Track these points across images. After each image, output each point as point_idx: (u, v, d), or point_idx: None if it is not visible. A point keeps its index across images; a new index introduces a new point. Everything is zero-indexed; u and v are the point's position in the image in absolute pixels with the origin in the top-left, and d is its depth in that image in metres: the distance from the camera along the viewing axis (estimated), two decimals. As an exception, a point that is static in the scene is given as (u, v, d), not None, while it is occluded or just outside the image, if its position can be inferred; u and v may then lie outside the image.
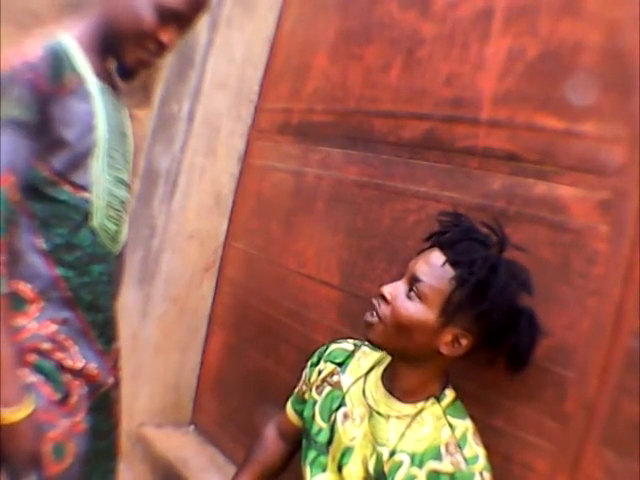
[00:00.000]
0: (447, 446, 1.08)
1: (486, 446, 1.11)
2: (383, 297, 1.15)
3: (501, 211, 1.32)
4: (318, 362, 1.34)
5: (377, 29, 1.77)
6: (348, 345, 1.33)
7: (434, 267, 1.11)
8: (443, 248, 1.13)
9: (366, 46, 1.79)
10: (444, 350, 1.11)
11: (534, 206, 1.28)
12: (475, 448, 1.08)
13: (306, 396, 1.33)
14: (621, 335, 1.11)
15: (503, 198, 1.34)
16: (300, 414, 1.35)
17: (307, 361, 1.38)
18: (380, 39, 1.75)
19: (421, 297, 1.11)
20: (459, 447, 1.07)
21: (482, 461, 1.07)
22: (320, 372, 1.32)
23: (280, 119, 2.12)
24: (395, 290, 1.14)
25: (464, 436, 1.09)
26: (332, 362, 1.31)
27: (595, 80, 1.22)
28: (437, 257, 1.12)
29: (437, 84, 1.54)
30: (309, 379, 1.34)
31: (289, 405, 1.40)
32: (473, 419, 1.14)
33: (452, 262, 1.10)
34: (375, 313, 1.15)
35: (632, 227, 1.12)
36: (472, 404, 1.17)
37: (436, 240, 1.17)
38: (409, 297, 1.12)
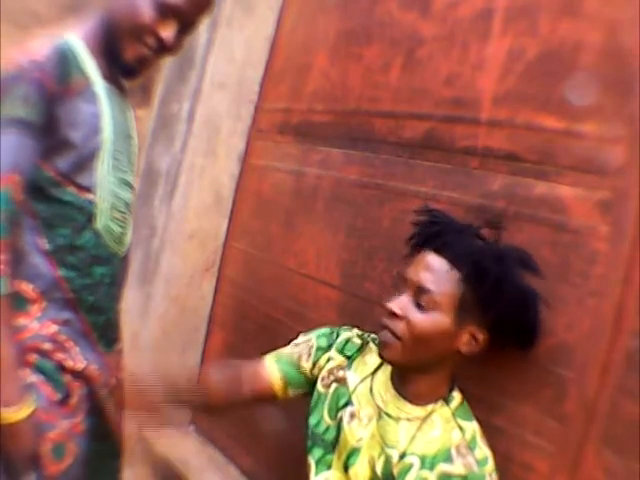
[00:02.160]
0: (458, 448, 1.08)
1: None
2: (393, 314, 1.11)
3: (501, 211, 1.32)
4: (329, 348, 1.30)
5: (377, 29, 1.77)
6: (357, 339, 1.30)
7: (438, 273, 1.10)
8: (438, 251, 1.11)
9: (366, 46, 1.79)
10: (464, 349, 1.11)
11: (534, 206, 1.28)
12: (484, 450, 1.09)
13: (303, 365, 1.29)
14: (621, 335, 1.11)
15: (503, 198, 1.34)
16: (289, 384, 1.29)
17: (309, 332, 1.35)
18: (380, 39, 1.75)
19: (433, 306, 1.09)
20: (470, 449, 1.07)
21: (491, 463, 1.08)
22: (329, 360, 1.28)
23: (280, 119, 2.12)
24: (403, 305, 1.11)
25: (473, 438, 1.10)
26: (343, 354, 1.28)
27: (595, 80, 1.22)
28: (437, 261, 1.11)
29: (437, 84, 1.54)
30: (316, 360, 1.29)
31: (272, 361, 1.31)
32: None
33: (453, 263, 1.09)
34: (391, 332, 1.11)
35: (632, 227, 1.12)
36: (473, 404, 1.17)
37: (427, 244, 1.15)
38: (420, 309, 1.10)
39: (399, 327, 1.11)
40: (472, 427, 1.12)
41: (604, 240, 1.15)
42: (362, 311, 1.60)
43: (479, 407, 1.20)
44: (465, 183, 1.42)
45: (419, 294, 1.10)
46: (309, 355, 1.31)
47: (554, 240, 1.23)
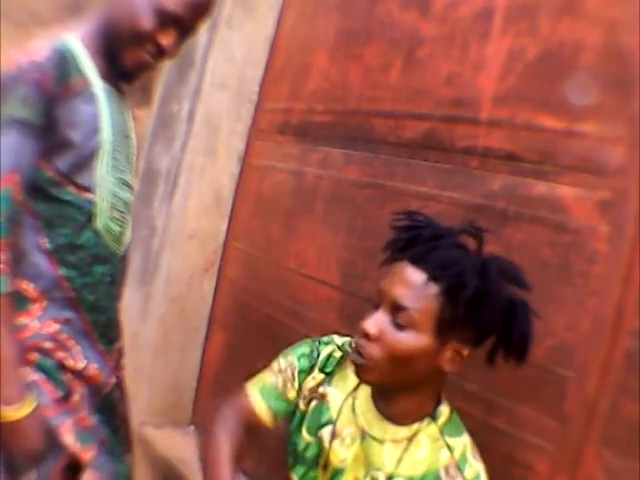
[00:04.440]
0: (447, 469, 1.03)
1: (486, 446, 1.10)
2: (367, 335, 1.02)
3: (501, 211, 1.32)
4: (312, 369, 1.21)
5: (377, 29, 1.77)
6: (337, 352, 1.21)
7: (414, 288, 1.00)
8: (416, 262, 1.02)
9: (366, 46, 1.79)
10: (447, 367, 1.02)
11: (534, 206, 1.28)
12: (475, 466, 1.03)
13: (290, 396, 1.20)
14: (621, 335, 1.11)
15: (503, 198, 1.34)
16: (275, 413, 1.20)
17: (291, 350, 1.26)
18: (380, 39, 1.75)
19: (410, 324, 1.00)
20: (459, 469, 1.02)
21: (482, 479, 1.03)
22: (312, 380, 1.20)
23: (280, 119, 2.13)
24: (379, 324, 1.02)
25: (463, 456, 1.04)
26: (323, 372, 1.20)
27: (595, 80, 1.22)
28: (413, 275, 1.01)
29: (437, 84, 1.55)
30: (300, 383, 1.20)
31: (258, 397, 1.21)
32: (473, 419, 1.14)
33: (432, 276, 0.99)
34: (364, 355, 1.03)
35: (632, 227, 1.12)
36: (472, 404, 1.17)
37: (404, 255, 1.05)
38: (397, 327, 1.01)
39: (374, 349, 1.02)
40: (462, 443, 1.05)
41: (604, 240, 1.15)
42: (362, 311, 1.60)
43: (479, 407, 1.20)
44: (465, 183, 1.42)
45: (395, 311, 1.01)
46: (293, 379, 1.21)
47: (554, 240, 1.23)
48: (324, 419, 1.15)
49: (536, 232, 1.26)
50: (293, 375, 1.21)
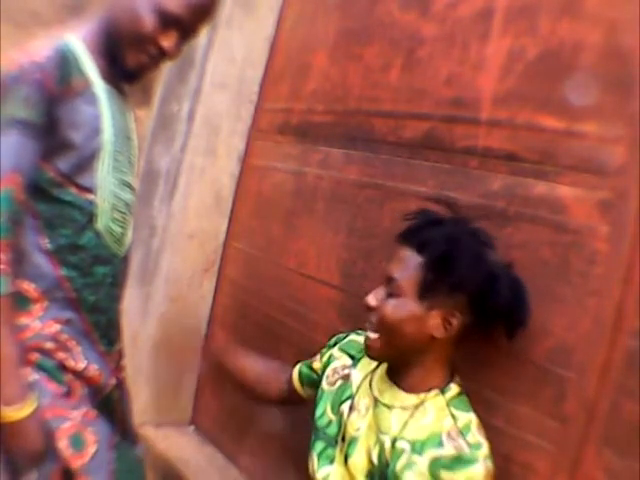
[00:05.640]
0: (449, 433, 1.08)
1: (486, 446, 1.11)
2: (369, 307, 1.17)
3: (501, 211, 1.32)
4: (334, 345, 1.39)
5: (377, 29, 1.77)
6: (362, 339, 1.32)
7: (403, 261, 1.15)
8: (407, 242, 1.17)
9: (366, 46, 1.79)
10: (437, 334, 1.13)
11: (534, 206, 1.28)
12: (478, 437, 1.09)
13: (314, 366, 1.41)
14: (621, 335, 1.11)
15: (503, 198, 1.34)
16: (302, 381, 1.44)
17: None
18: (380, 39, 1.75)
19: (399, 292, 1.14)
20: (462, 434, 1.08)
21: (485, 450, 1.07)
22: (331, 357, 1.36)
23: (280, 119, 2.13)
24: (377, 296, 1.17)
25: (467, 426, 1.10)
26: (346, 353, 1.35)
27: (595, 80, 1.22)
28: (403, 252, 1.16)
29: (437, 84, 1.55)
30: (322, 356, 1.40)
31: (297, 370, 1.46)
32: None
33: (417, 250, 1.14)
34: (369, 326, 1.18)
35: (632, 227, 1.12)
36: (472, 404, 1.17)
37: (400, 237, 1.20)
38: (389, 297, 1.15)
39: (374, 318, 1.17)
40: (467, 417, 1.12)
41: (604, 240, 1.15)
42: (362, 311, 1.60)
43: (479, 407, 1.20)
44: (465, 183, 1.42)
45: (389, 284, 1.16)
46: (320, 353, 1.41)
47: (554, 240, 1.23)
48: (345, 396, 1.27)
49: (536, 232, 1.26)
50: (323, 351, 1.42)
